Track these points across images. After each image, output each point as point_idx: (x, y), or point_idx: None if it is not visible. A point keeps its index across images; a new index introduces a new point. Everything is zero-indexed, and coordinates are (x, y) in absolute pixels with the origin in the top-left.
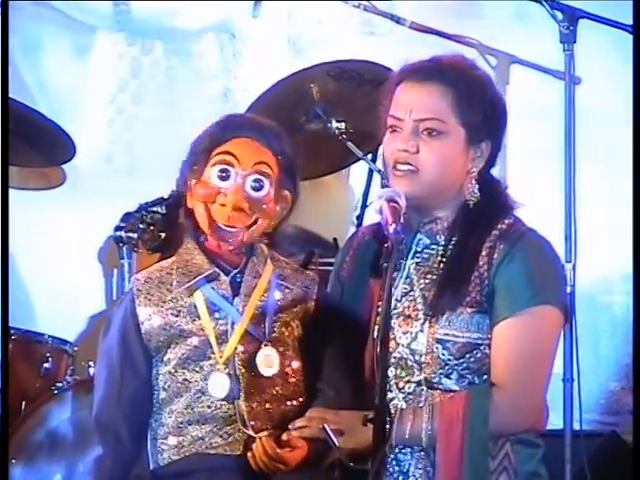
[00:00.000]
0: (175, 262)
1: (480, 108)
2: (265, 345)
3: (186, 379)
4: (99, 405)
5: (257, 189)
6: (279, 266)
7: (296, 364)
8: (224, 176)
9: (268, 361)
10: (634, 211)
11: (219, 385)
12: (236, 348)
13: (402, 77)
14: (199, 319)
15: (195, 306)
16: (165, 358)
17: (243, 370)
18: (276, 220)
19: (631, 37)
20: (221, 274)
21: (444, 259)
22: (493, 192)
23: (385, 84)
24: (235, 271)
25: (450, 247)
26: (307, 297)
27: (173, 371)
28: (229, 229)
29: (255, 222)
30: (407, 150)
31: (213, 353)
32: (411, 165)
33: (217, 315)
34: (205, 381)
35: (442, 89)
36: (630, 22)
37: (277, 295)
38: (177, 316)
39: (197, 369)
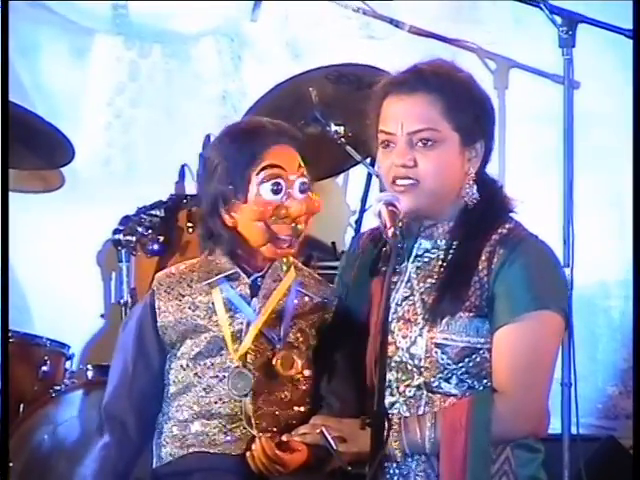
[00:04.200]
0: (199, 261)
1: (470, 109)
2: (280, 349)
3: (197, 374)
4: (110, 395)
5: (304, 191)
6: (301, 275)
7: (307, 372)
8: (277, 189)
9: (288, 363)
10: (634, 216)
11: (239, 382)
12: (249, 347)
13: (387, 91)
14: (215, 316)
15: (212, 303)
16: (178, 353)
17: (254, 370)
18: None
19: (630, 41)
20: (242, 275)
21: (444, 263)
22: (491, 192)
23: (372, 98)
24: (257, 274)
25: (450, 251)
26: (326, 307)
27: (185, 365)
28: (290, 238)
29: (307, 223)
30: (405, 165)
31: (226, 350)
32: (411, 179)
33: (233, 314)
34: (215, 377)
35: (429, 98)
36: (629, 26)
37: (295, 301)
38: (194, 311)
39: (209, 365)
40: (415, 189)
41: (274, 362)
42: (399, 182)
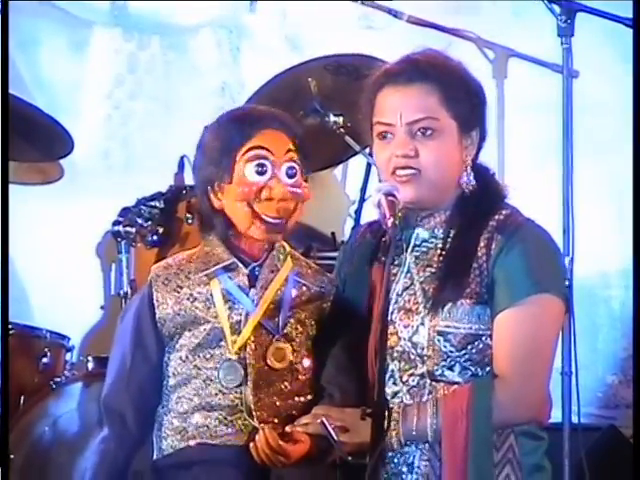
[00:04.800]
0: (196, 252)
1: (466, 97)
2: (277, 339)
3: (196, 365)
4: (108, 388)
5: (292, 176)
6: (299, 264)
7: (307, 362)
8: (261, 171)
9: (279, 355)
10: (634, 205)
11: (232, 373)
12: (248, 338)
13: (382, 83)
14: (214, 307)
15: (211, 294)
16: (177, 345)
17: (253, 361)
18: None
19: (629, 30)
20: (240, 265)
21: (443, 252)
22: (485, 179)
23: (364, 91)
24: (255, 264)
25: (449, 240)
26: (323, 297)
27: (184, 357)
28: (276, 221)
29: (295, 208)
30: (407, 155)
31: (225, 341)
32: (413, 169)
33: (232, 305)
34: (215, 369)
35: (427, 87)
36: (628, 15)
37: (293, 291)
38: (192, 302)
39: (208, 356)
40: (417, 179)
41: (266, 355)
42: (400, 172)
